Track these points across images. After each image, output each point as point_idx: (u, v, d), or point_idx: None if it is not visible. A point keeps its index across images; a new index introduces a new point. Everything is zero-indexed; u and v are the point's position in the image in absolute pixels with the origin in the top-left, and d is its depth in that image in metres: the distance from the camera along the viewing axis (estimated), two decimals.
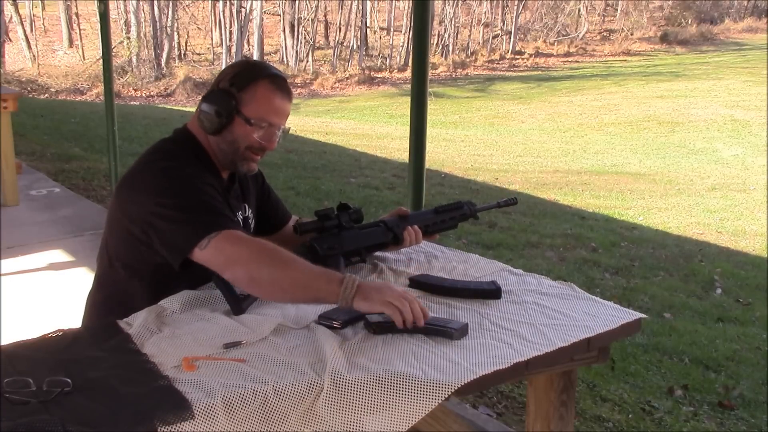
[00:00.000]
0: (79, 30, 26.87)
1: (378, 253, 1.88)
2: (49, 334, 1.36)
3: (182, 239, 1.51)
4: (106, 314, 1.67)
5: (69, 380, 1.14)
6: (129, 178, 1.65)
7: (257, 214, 1.93)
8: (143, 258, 1.61)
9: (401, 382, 1.23)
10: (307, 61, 26.88)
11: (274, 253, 1.47)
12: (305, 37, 27.41)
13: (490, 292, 1.63)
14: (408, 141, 2.78)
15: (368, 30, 30.33)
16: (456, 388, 1.23)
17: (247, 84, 1.66)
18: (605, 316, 1.55)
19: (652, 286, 4.81)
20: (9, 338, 1.37)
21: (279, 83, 1.69)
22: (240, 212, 1.81)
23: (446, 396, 1.23)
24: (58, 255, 4.19)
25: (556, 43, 31.37)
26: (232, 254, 1.47)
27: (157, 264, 1.59)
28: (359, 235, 1.79)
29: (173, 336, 1.38)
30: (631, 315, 1.56)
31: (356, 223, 1.80)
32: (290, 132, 1.81)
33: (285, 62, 26.91)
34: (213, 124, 1.66)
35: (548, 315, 1.54)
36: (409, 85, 2.79)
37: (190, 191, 1.56)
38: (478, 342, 1.39)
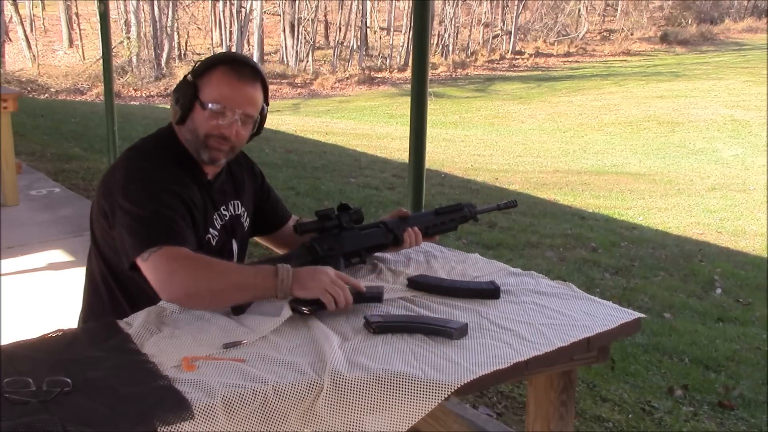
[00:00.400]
0: (79, 30, 26.88)
1: (377, 254, 1.88)
2: (48, 334, 1.36)
3: (128, 246, 1.53)
4: (97, 310, 1.68)
5: (69, 380, 1.14)
6: (107, 173, 1.67)
7: (256, 214, 1.93)
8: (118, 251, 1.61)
9: (401, 382, 1.23)
10: (307, 61, 26.88)
11: (209, 265, 1.50)
12: (305, 37, 27.41)
13: (489, 292, 1.63)
14: (408, 141, 2.77)
15: (368, 30, 30.34)
16: (456, 388, 1.23)
17: (205, 70, 1.66)
18: (604, 315, 1.55)
19: (652, 286, 4.81)
20: (9, 338, 1.37)
21: (237, 68, 1.66)
22: (224, 207, 1.80)
23: (446, 396, 1.23)
24: (58, 255, 4.19)
25: (556, 43, 31.39)
26: (167, 272, 1.47)
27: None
28: (359, 235, 1.79)
29: (173, 336, 1.38)
30: (630, 315, 1.56)
31: (356, 223, 1.79)
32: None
33: (285, 62, 26.92)
34: (176, 113, 1.68)
35: (547, 315, 1.54)
36: (409, 85, 2.78)
37: (149, 200, 1.56)
38: (478, 342, 1.39)
